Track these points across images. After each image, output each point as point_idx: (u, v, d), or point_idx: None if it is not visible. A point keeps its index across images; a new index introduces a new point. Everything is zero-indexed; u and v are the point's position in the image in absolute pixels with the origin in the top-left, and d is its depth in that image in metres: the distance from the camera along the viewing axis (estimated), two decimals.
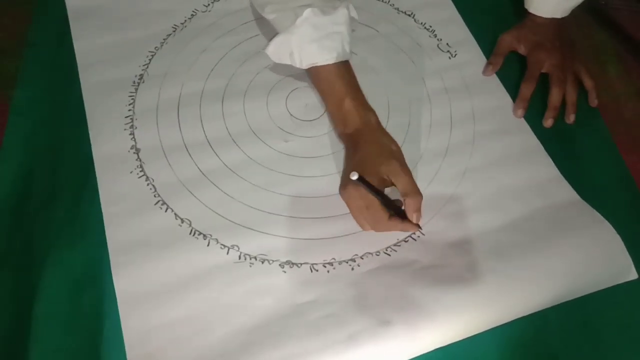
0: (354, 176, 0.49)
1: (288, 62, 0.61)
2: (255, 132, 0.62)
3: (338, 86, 0.59)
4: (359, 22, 0.69)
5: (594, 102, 0.68)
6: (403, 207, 0.52)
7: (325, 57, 0.58)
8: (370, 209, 0.52)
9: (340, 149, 0.62)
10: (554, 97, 0.66)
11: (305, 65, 0.60)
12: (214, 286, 0.52)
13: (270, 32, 0.70)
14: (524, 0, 0.72)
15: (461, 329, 0.50)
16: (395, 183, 0.52)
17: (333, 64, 0.59)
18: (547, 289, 0.52)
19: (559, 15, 0.70)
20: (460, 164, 0.61)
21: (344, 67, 0.60)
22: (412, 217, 0.52)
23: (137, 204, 0.56)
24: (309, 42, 0.58)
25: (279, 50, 0.60)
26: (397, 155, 0.55)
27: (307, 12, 0.57)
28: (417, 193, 0.52)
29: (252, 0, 0.66)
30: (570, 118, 0.66)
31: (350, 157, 0.57)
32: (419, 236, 0.56)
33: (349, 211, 0.56)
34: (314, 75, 0.62)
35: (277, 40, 0.60)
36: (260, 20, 0.71)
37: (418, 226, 0.52)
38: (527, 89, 0.66)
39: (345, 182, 0.55)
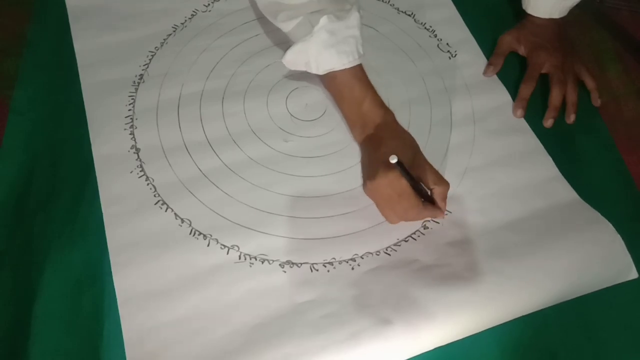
0: (394, 159, 0.50)
1: (303, 69, 0.61)
2: (255, 132, 0.62)
3: (357, 88, 0.59)
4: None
5: (597, 102, 0.68)
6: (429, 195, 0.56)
7: (342, 61, 0.58)
8: (402, 196, 0.53)
9: (340, 148, 0.62)
10: (555, 97, 0.66)
11: (322, 71, 0.59)
12: (214, 286, 0.52)
13: (270, 32, 0.71)
14: (522, 1, 0.72)
15: (461, 328, 0.50)
16: (422, 174, 0.55)
17: (349, 67, 0.59)
18: (547, 288, 0.52)
19: (556, 15, 0.70)
20: (460, 164, 0.61)
21: (359, 69, 0.60)
22: (442, 204, 0.55)
23: (137, 204, 0.56)
24: (326, 48, 0.58)
25: (295, 59, 0.60)
26: (419, 149, 0.57)
27: (323, 19, 0.57)
28: (445, 182, 0.55)
29: (262, 9, 0.65)
30: (571, 118, 0.66)
31: (372, 154, 0.57)
32: (419, 236, 0.56)
33: (348, 211, 0.57)
34: (329, 80, 0.61)
35: (294, 49, 0.59)
36: (261, 20, 0.71)
37: (443, 212, 0.56)
38: (526, 90, 0.66)
39: (373, 175, 0.55)
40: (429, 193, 0.55)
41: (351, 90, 0.59)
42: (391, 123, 0.59)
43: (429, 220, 0.57)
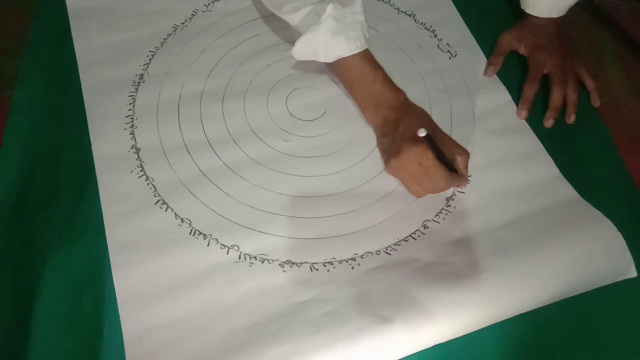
0: (422, 133, 0.52)
1: (312, 59, 0.62)
2: (255, 132, 0.62)
3: (367, 71, 0.60)
4: None
5: (596, 102, 0.68)
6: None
7: (351, 47, 0.59)
8: (430, 168, 0.54)
9: (340, 148, 0.62)
10: (555, 97, 0.66)
11: (331, 58, 0.60)
12: (214, 286, 0.52)
13: (270, 32, 0.71)
14: (520, 1, 0.72)
15: (461, 326, 0.50)
16: (442, 146, 0.56)
17: (358, 52, 0.60)
18: (547, 286, 0.52)
19: (555, 15, 0.70)
20: None
21: (367, 53, 0.61)
22: (464, 173, 0.57)
23: (137, 204, 0.56)
24: (334, 36, 0.58)
25: (304, 50, 0.61)
26: (435, 123, 0.59)
27: (330, 7, 0.58)
28: (466, 151, 0.57)
29: (266, 2, 0.65)
30: (571, 118, 0.66)
31: (392, 133, 0.58)
32: (419, 235, 0.56)
33: (348, 211, 0.57)
34: (339, 67, 0.62)
35: (302, 40, 0.60)
36: (261, 20, 0.72)
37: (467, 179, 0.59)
38: (530, 91, 0.66)
39: (397, 152, 0.56)
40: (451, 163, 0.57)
41: (362, 73, 0.61)
42: (405, 101, 0.60)
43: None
